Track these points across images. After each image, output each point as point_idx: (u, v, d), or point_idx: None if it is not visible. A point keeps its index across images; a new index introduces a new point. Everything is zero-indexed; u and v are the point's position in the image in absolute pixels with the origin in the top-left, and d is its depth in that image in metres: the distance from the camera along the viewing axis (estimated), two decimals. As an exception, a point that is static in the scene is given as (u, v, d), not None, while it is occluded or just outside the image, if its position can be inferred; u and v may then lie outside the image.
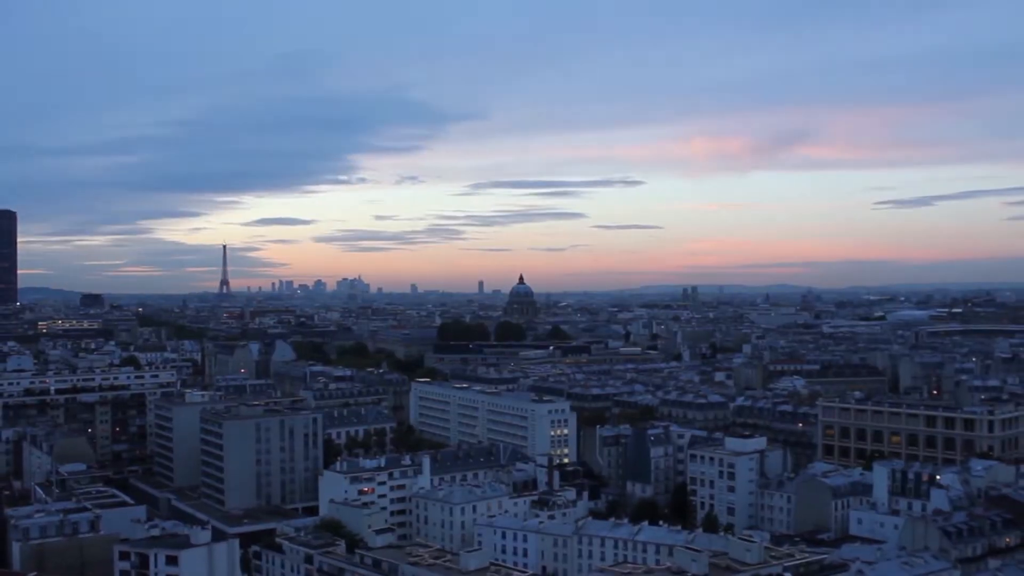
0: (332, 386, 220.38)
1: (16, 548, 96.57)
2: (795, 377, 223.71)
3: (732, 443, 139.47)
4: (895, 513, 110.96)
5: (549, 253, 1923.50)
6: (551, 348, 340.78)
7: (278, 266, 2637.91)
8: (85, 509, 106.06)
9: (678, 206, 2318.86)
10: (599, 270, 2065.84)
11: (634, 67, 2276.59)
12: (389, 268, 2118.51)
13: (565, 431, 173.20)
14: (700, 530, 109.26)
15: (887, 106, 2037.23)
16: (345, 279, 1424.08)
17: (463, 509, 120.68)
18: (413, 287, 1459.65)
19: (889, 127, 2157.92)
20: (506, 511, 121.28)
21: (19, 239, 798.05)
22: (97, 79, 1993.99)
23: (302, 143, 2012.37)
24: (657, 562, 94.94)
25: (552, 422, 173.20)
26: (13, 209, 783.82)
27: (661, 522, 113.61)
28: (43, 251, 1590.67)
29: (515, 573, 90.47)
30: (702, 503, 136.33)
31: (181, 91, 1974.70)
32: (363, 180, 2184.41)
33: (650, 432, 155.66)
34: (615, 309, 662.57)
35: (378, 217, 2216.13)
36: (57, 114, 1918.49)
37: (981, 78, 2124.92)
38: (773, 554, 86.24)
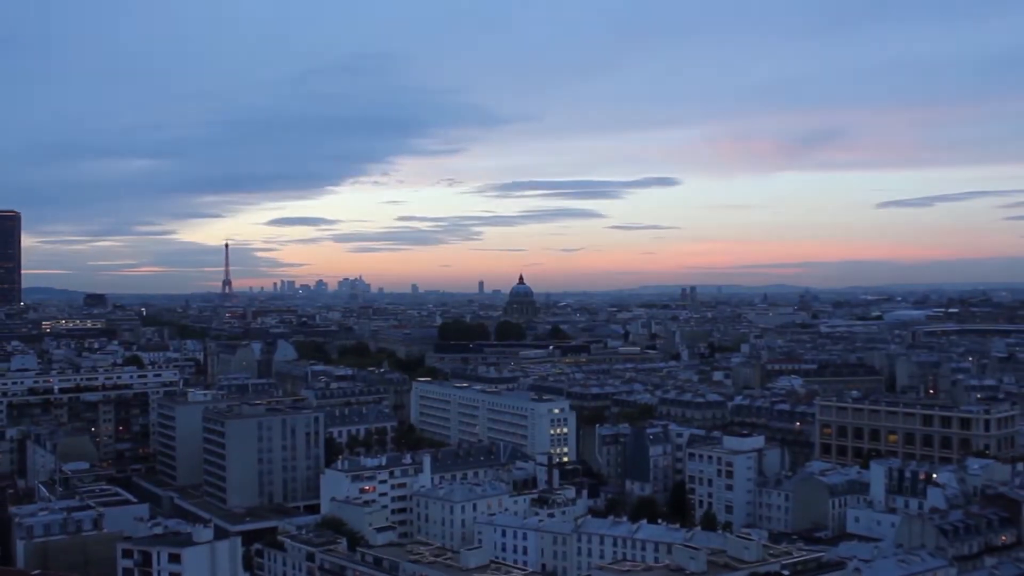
0: (333, 385, 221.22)
1: (20, 546, 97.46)
2: (793, 376, 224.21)
3: (730, 442, 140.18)
4: (892, 511, 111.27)
5: (564, 254, 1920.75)
6: (551, 348, 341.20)
7: (296, 266, 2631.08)
8: (88, 507, 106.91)
9: (697, 207, 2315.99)
10: (606, 271, 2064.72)
11: (675, 71, 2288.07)
12: (399, 269, 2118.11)
13: (564, 430, 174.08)
14: (698, 528, 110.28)
15: (891, 109, 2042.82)
16: (346, 279, 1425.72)
17: (463, 507, 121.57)
18: (414, 287, 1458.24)
19: (892, 129, 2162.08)
20: (506, 509, 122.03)
21: (36, 240, 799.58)
22: (158, 81, 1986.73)
23: (348, 144, 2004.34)
24: (656, 560, 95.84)
25: (552, 421, 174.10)
26: (31, 210, 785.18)
27: (660, 520, 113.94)
28: (63, 251, 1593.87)
29: (515, 571, 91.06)
30: (700, 501, 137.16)
31: (243, 92, 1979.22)
32: (401, 182, 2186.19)
33: (649, 431, 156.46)
34: (614, 309, 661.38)
35: (400, 218, 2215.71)
36: (108, 116, 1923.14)
37: (984, 82, 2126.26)
38: (771, 552, 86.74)
